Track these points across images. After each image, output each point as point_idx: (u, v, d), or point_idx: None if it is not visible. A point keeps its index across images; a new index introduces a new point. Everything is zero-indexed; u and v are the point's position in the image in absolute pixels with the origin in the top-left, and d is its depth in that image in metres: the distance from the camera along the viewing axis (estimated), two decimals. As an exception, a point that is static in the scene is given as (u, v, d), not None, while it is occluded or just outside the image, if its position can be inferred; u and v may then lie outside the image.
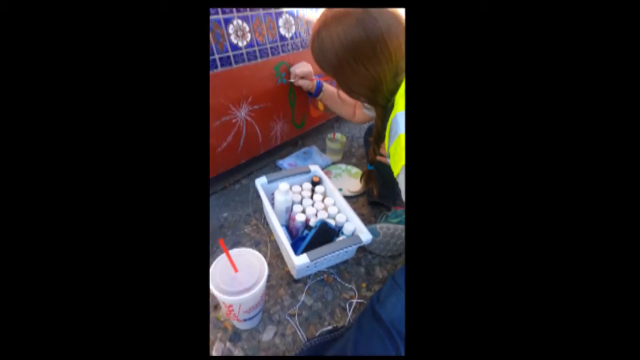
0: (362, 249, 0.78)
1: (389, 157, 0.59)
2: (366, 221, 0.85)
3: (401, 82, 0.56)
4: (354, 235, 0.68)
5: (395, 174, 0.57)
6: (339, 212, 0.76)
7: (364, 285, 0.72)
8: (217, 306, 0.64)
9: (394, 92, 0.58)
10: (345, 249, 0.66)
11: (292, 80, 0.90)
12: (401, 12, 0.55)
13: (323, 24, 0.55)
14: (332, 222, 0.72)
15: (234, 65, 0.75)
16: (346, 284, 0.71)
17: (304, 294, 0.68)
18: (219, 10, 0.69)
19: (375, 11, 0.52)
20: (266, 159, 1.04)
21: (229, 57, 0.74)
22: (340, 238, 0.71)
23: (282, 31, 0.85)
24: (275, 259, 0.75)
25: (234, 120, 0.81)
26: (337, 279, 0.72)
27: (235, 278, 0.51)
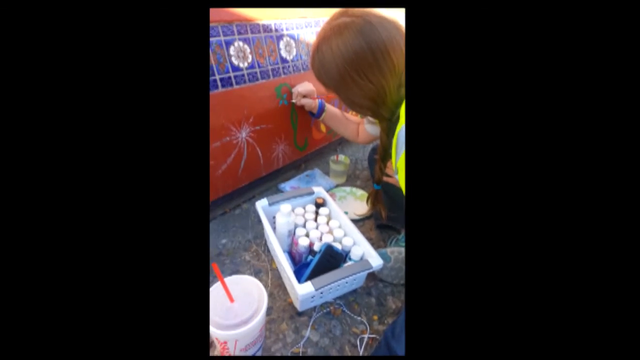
0: (372, 277, 0.71)
1: (396, 173, 0.55)
2: (375, 245, 0.79)
3: (403, 90, 0.54)
4: (362, 261, 0.62)
5: (404, 191, 0.52)
6: (345, 235, 0.70)
7: (375, 317, 0.64)
8: (211, 343, 0.56)
9: (398, 104, 0.55)
10: (353, 276, 0.60)
11: (294, 100, 0.88)
12: (401, 18, 0.54)
13: (323, 37, 0.54)
14: (338, 246, 0.66)
15: (235, 86, 0.74)
16: (356, 317, 0.64)
17: (309, 328, 0.61)
18: (220, 31, 0.69)
19: (375, 20, 0.51)
20: (268, 182, 1.00)
21: (229, 77, 0.73)
22: (348, 264, 0.65)
23: (283, 53, 0.85)
24: (277, 289, 0.68)
25: (234, 141, 0.79)
26: (346, 311, 0.65)
27: (231, 309, 0.45)
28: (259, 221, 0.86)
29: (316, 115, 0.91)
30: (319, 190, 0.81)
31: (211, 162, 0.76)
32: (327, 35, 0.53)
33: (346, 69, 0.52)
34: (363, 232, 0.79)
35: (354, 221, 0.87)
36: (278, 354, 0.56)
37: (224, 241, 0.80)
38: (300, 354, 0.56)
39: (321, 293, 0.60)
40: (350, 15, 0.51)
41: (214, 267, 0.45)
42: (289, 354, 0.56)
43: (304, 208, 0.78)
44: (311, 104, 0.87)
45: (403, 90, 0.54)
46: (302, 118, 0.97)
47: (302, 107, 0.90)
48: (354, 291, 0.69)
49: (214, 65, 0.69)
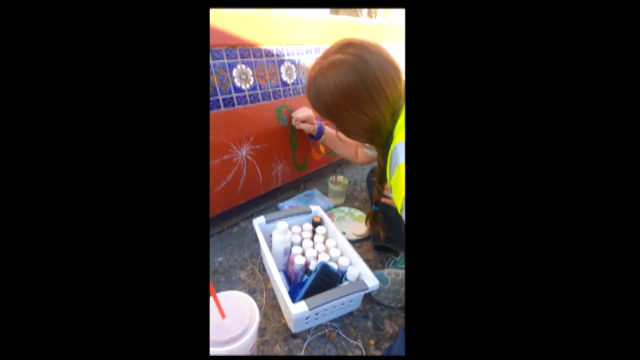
0: (369, 300, 0.69)
1: (391, 191, 0.56)
2: (372, 267, 0.78)
3: (398, 119, 0.56)
4: (358, 281, 0.61)
5: (398, 208, 0.53)
6: (341, 254, 0.69)
7: (372, 342, 0.62)
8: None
9: (392, 130, 0.57)
10: (349, 297, 0.58)
11: (293, 123, 0.91)
12: (390, 49, 0.57)
13: (319, 71, 0.57)
14: (334, 266, 0.65)
15: (237, 106, 0.77)
16: (352, 341, 0.61)
17: (303, 351, 0.58)
18: (224, 54, 0.73)
19: (369, 57, 0.54)
20: (267, 201, 1.01)
21: (232, 98, 0.76)
22: (344, 284, 0.63)
23: (284, 77, 0.89)
24: (272, 309, 0.67)
25: (234, 159, 0.80)
26: (341, 334, 0.62)
27: (222, 325, 0.44)
28: (256, 239, 0.85)
29: (315, 137, 0.93)
30: (317, 209, 0.81)
31: (211, 179, 0.77)
32: (323, 69, 0.56)
33: (342, 102, 0.55)
34: (361, 254, 0.78)
35: (352, 242, 0.86)
36: (269, 379, 0.54)
37: (220, 259, 0.79)
38: (293, 379, 0.54)
39: (316, 314, 0.58)
40: (345, 53, 0.54)
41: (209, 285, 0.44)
42: (281, 379, 0.54)
43: (301, 226, 0.78)
44: (310, 128, 0.90)
45: (396, 117, 0.56)
46: (301, 139, 0.99)
47: (301, 130, 0.93)
48: (350, 314, 0.67)
49: (217, 86, 0.72)
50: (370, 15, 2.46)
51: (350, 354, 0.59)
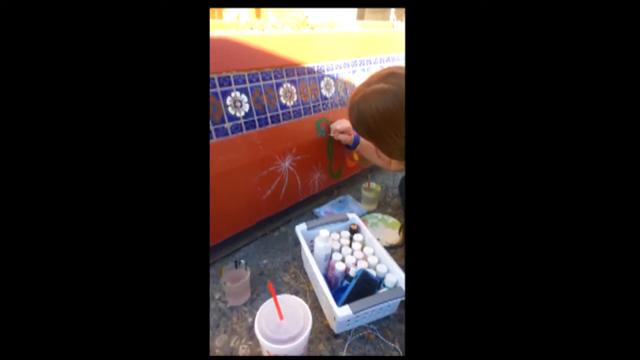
0: (405, 305, 0.74)
1: None
2: (406, 273, 0.82)
3: None
4: (397, 288, 0.66)
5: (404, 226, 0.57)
6: (379, 262, 0.74)
7: (408, 344, 0.66)
8: (260, 353, 0.61)
9: None
10: (388, 302, 0.63)
11: (332, 134, 0.96)
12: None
13: (362, 97, 0.62)
14: (372, 273, 0.70)
15: (282, 122, 0.83)
16: (389, 343, 0.66)
17: (345, 350, 0.64)
18: (272, 75, 0.79)
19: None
20: (304, 207, 1.07)
21: (278, 115, 0.82)
22: (382, 290, 0.68)
23: (324, 92, 0.94)
24: (314, 311, 0.73)
25: (278, 170, 0.87)
26: (379, 336, 0.68)
27: (281, 325, 0.50)
28: (296, 243, 0.92)
29: (351, 147, 0.98)
30: (353, 217, 0.86)
31: (258, 188, 0.84)
32: (367, 95, 0.61)
33: (383, 127, 0.60)
34: (395, 260, 0.82)
35: (387, 248, 0.91)
36: (316, 373, 0.60)
37: (264, 262, 0.87)
38: (337, 375, 0.60)
39: (357, 317, 0.63)
40: (388, 82, 0.59)
41: (269, 286, 0.51)
42: (327, 374, 0.60)
43: (339, 233, 0.83)
44: (347, 139, 0.95)
45: None
46: (338, 149, 1.04)
47: (338, 140, 0.98)
48: (387, 317, 0.72)
49: (266, 105, 0.79)
50: (399, 17, 2.45)
51: (388, 354, 0.64)
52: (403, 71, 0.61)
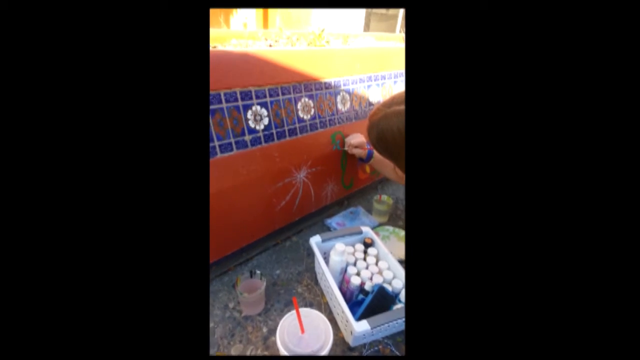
0: (418, 319, 0.74)
1: None
2: (419, 288, 0.83)
3: None
4: (412, 303, 0.67)
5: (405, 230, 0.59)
6: (394, 277, 0.75)
7: None
8: None
9: None
10: (404, 319, 0.64)
11: (346, 148, 0.98)
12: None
13: (383, 117, 0.64)
14: (388, 288, 0.71)
15: (299, 135, 0.85)
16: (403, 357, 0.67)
17: (360, 364, 0.65)
18: (292, 90, 0.81)
19: None
20: (315, 217, 1.08)
21: (295, 128, 0.84)
22: (398, 305, 0.69)
23: (339, 106, 0.96)
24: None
25: (293, 182, 0.88)
26: (394, 350, 0.68)
27: (302, 339, 0.51)
28: (309, 254, 0.93)
29: (365, 160, 0.99)
30: (367, 230, 0.87)
31: (273, 200, 0.86)
32: (388, 115, 0.63)
33: (403, 147, 0.62)
34: (407, 274, 0.83)
35: (400, 262, 0.92)
36: (332, 387, 0.60)
37: (278, 272, 0.88)
38: (353, 389, 0.60)
39: (373, 332, 0.64)
40: None
41: (294, 300, 0.52)
42: (343, 388, 0.60)
43: (354, 247, 0.84)
44: (361, 153, 0.97)
45: None
46: (351, 161, 1.06)
47: (352, 154, 1.00)
48: (401, 332, 0.72)
49: (284, 118, 0.81)
50: (402, 30, 2.49)
51: (403, 370, 0.65)
52: None
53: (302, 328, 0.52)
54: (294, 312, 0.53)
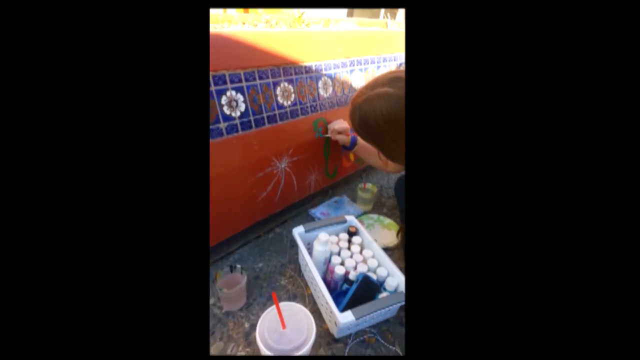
0: (404, 307, 0.74)
1: None
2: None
3: None
4: (398, 292, 0.65)
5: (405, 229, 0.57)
6: (379, 265, 0.74)
7: (408, 348, 0.66)
8: None
9: None
10: (389, 307, 0.63)
11: (329, 135, 0.95)
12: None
13: (366, 100, 0.61)
14: (373, 276, 0.69)
15: (279, 122, 0.81)
16: (390, 347, 0.66)
17: (346, 355, 0.63)
18: (269, 74, 0.77)
19: None
20: (299, 207, 1.06)
21: (275, 115, 0.80)
22: (383, 294, 0.68)
23: (321, 91, 0.93)
24: (313, 314, 0.71)
25: (275, 171, 0.85)
26: (380, 339, 0.67)
27: (284, 335, 0.49)
28: (292, 245, 0.91)
29: (348, 147, 0.97)
30: (351, 219, 0.85)
31: (253, 191, 0.82)
32: (371, 98, 0.59)
33: (387, 130, 0.59)
34: (394, 261, 0.82)
35: (384, 250, 0.91)
36: (317, 380, 0.59)
37: (260, 265, 0.85)
38: (339, 381, 0.59)
39: (358, 322, 0.63)
40: (394, 87, 0.58)
41: (273, 296, 0.49)
42: (328, 380, 0.59)
43: (338, 236, 0.82)
44: (345, 139, 0.94)
45: None
46: (334, 149, 1.03)
47: (335, 140, 0.97)
48: (387, 320, 0.71)
49: (262, 104, 0.77)
50: (386, 15, 2.46)
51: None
52: None
53: (283, 323, 0.49)
54: (274, 307, 0.50)
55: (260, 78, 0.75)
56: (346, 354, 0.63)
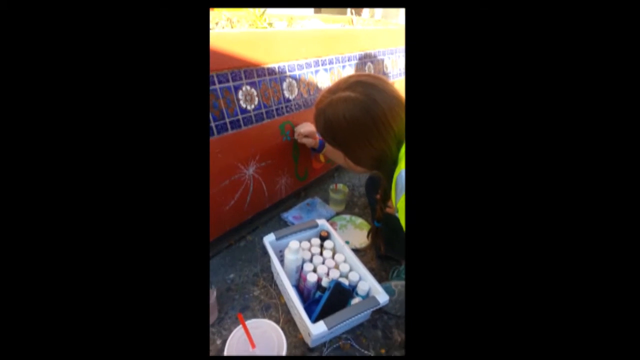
0: (377, 310, 0.74)
1: (397, 211, 0.59)
2: (377, 276, 0.82)
3: (401, 147, 0.59)
4: (370, 297, 0.65)
5: (404, 227, 0.57)
6: (351, 269, 0.73)
7: (383, 350, 0.67)
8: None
9: (396, 159, 0.60)
10: (362, 313, 0.63)
11: (296, 137, 0.93)
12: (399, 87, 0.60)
13: (328, 104, 0.60)
14: (345, 282, 0.69)
15: (243, 127, 0.78)
16: (364, 351, 0.66)
17: (321, 364, 0.63)
18: (230, 77, 0.73)
19: (376, 94, 0.56)
20: (270, 212, 1.03)
21: (238, 120, 0.77)
22: (355, 299, 0.68)
23: (286, 94, 0.90)
24: (287, 324, 0.70)
25: (242, 179, 0.82)
26: (354, 345, 0.67)
27: (254, 354, 0.47)
28: (264, 253, 0.88)
29: (317, 150, 0.95)
30: (323, 223, 0.84)
31: (219, 200, 0.78)
32: (333, 103, 0.58)
33: (351, 135, 0.58)
34: (365, 263, 0.82)
35: (356, 251, 0.91)
36: (292, 393, 0.58)
37: (231, 276, 0.82)
38: (314, 392, 0.58)
39: (331, 331, 0.62)
40: (355, 91, 0.57)
41: (240, 317, 0.47)
42: (303, 393, 0.58)
43: (310, 242, 0.81)
44: (312, 142, 0.92)
45: (401, 146, 0.60)
46: (303, 151, 1.01)
47: (303, 144, 0.95)
48: (361, 324, 0.72)
49: (224, 110, 0.73)
50: (357, 12, 2.45)
51: (364, 363, 0.64)
52: (370, 80, 0.59)
53: (252, 343, 0.47)
54: (241, 327, 0.48)
55: (220, 82, 0.72)
56: (321, 363, 0.63)
